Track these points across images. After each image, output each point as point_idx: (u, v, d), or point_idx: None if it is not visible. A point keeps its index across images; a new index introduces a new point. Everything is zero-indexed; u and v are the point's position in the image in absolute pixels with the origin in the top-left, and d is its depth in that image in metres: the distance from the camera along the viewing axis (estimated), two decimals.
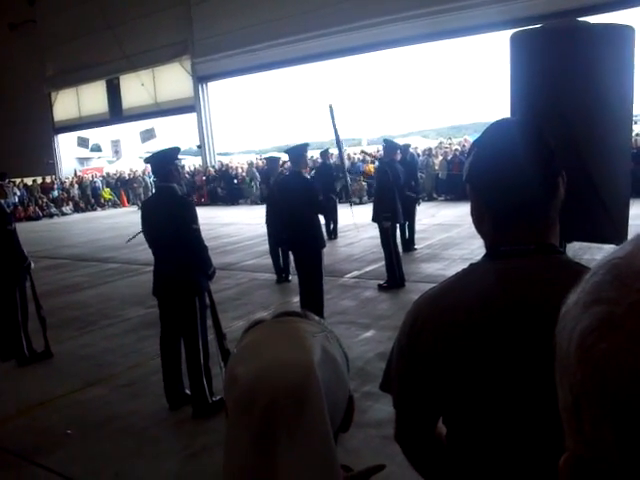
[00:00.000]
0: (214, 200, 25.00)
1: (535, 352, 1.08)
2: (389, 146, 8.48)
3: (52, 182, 28.95)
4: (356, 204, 12.84)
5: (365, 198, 19.94)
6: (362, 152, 20.66)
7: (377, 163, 11.10)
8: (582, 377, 0.43)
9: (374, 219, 8.22)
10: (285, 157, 14.39)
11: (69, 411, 4.83)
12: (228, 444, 0.76)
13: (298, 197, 6.19)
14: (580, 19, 1.74)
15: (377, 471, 0.89)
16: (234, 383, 0.78)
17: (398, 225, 8.83)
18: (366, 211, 11.87)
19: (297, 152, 6.43)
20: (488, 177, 1.19)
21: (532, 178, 1.15)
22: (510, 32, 1.77)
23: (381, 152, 10.43)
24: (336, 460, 0.74)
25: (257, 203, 20.80)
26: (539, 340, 1.07)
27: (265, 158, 9.05)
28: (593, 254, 8.25)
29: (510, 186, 1.16)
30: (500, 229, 1.20)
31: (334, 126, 7.93)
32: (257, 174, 23.16)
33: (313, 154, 18.66)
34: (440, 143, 23.27)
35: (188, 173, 25.18)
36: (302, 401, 0.73)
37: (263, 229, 9.44)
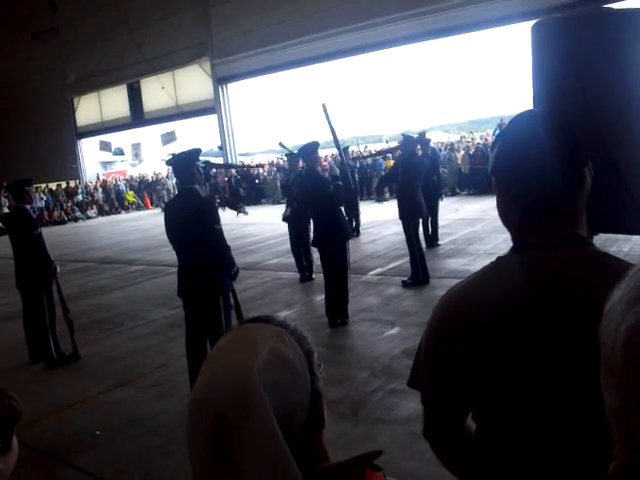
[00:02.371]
0: (236, 200, 25.10)
1: (566, 345, 1.06)
2: (406, 141, 8.41)
3: (76, 186, 29.38)
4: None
5: (387, 195, 19.85)
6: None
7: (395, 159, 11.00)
8: (630, 378, 0.41)
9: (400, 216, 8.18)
10: None
11: (98, 412, 4.89)
12: (190, 451, 0.81)
13: (316, 193, 6.29)
14: (604, 6, 1.70)
15: (373, 458, 0.89)
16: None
17: (421, 220, 8.77)
18: (388, 207, 11.84)
19: (309, 150, 6.55)
20: (513, 169, 1.18)
21: (557, 169, 1.14)
22: (530, 23, 1.74)
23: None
24: (287, 456, 0.76)
25: (278, 202, 20.86)
26: (570, 333, 1.05)
27: (285, 155, 9.08)
28: (620, 246, 8.13)
29: (536, 178, 1.14)
30: (527, 221, 1.18)
31: (330, 126, 6.86)
32: (277, 173, 23.27)
33: (332, 152, 18.60)
34: (462, 137, 23.10)
35: (212, 175, 25.23)
36: (245, 407, 0.76)
37: (285, 228, 9.46)
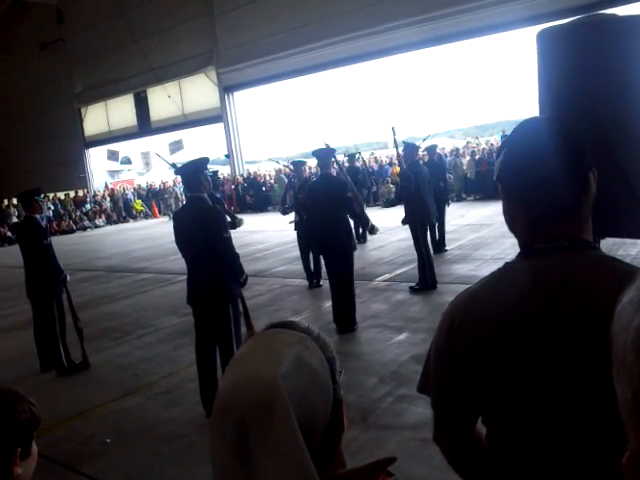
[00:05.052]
0: (243, 208, 25.17)
1: (575, 349, 1.07)
2: (408, 149, 8.41)
3: (84, 195, 29.53)
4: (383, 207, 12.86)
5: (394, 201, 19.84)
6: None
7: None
8: None
9: (404, 222, 8.19)
10: (309, 163, 14.42)
11: (108, 420, 4.91)
12: (212, 454, 0.83)
13: (330, 199, 6.23)
14: (607, 12, 1.71)
15: (387, 464, 0.90)
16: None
17: (428, 226, 8.77)
18: (394, 213, 11.84)
19: (327, 155, 6.54)
20: (519, 176, 1.19)
21: (563, 175, 1.15)
22: (534, 29, 1.76)
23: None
24: (308, 462, 0.78)
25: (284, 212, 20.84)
26: (579, 337, 1.07)
27: (291, 163, 9.08)
28: (627, 249, 8.12)
29: (541, 184, 1.16)
30: (533, 227, 1.19)
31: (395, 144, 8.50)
32: (285, 180, 23.32)
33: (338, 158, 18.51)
34: (467, 143, 23.11)
35: (220, 183, 25.30)
36: (268, 413, 0.78)
37: (292, 235, 9.47)
